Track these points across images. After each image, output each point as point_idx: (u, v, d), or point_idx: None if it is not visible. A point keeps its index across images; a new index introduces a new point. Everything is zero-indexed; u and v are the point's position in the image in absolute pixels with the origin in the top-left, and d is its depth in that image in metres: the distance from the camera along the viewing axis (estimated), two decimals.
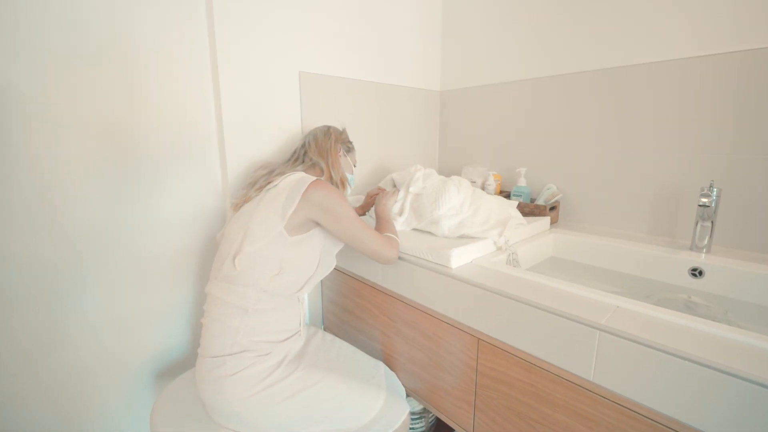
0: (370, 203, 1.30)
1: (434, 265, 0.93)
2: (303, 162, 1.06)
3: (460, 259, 0.92)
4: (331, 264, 1.01)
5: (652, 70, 1.13)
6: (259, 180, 0.99)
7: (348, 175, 1.13)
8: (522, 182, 1.45)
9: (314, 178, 0.91)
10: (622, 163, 1.23)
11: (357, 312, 1.22)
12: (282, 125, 1.26)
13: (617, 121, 1.23)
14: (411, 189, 1.15)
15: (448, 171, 1.78)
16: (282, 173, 0.98)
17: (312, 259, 0.94)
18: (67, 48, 0.90)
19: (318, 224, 0.92)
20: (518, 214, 1.16)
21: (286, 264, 0.89)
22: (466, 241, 0.99)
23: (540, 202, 1.41)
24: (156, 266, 1.10)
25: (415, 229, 1.15)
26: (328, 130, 1.12)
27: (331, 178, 1.05)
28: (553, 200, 1.38)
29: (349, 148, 1.17)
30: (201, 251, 1.19)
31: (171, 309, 1.15)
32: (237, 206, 0.97)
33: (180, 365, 1.19)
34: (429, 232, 1.10)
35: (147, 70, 1.02)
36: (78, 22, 0.90)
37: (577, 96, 1.32)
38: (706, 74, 1.04)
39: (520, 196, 1.43)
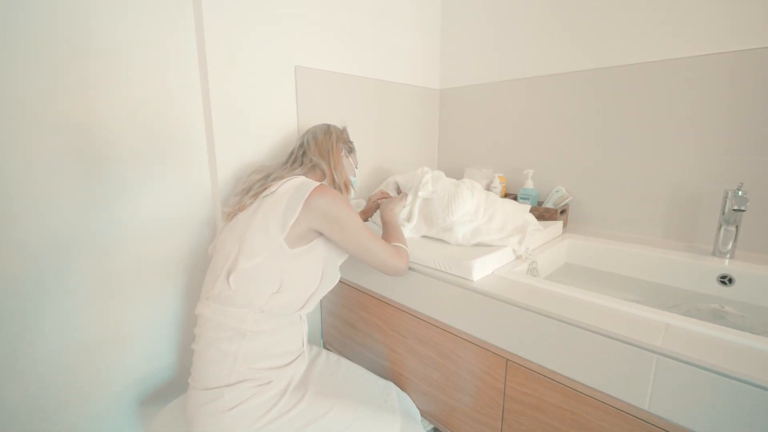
0: (373, 208, 1.21)
1: (452, 277, 0.85)
2: (302, 164, 0.95)
3: (481, 270, 0.84)
4: (335, 277, 0.91)
5: (670, 68, 1.09)
6: (254, 186, 0.88)
7: (351, 178, 1.03)
8: (529, 184, 1.38)
9: (317, 183, 0.81)
10: (635, 163, 1.18)
11: (362, 327, 1.12)
12: (277, 124, 1.15)
13: (630, 120, 1.18)
14: (420, 193, 1.07)
15: (448, 172, 1.70)
16: (279, 177, 0.88)
17: (314, 273, 0.84)
18: (36, 36, 0.77)
19: (320, 234, 0.82)
20: (533, 219, 1.09)
21: (287, 280, 0.79)
22: (484, 250, 0.92)
23: (549, 205, 1.35)
24: (136, 281, 0.98)
25: (424, 237, 1.07)
26: (328, 129, 1.02)
27: (333, 182, 0.96)
28: (563, 203, 1.32)
29: (351, 149, 1.07)
30: (188, 264, 1.07)
31: (153, 328, 1.03)
32: (230, 215, 0.86)
33: (165, 392, 1.06)
34: (441, 240, 1.02)
35: (126, 62, 0.89)
36: (48, 9, 0.78)
37: (586, 95, 1.26)
38: (728, 72, 1.00)
39: (527, 198, 1.37)
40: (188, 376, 0.82)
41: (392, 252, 0.86)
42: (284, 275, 0.78)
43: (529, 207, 1.18)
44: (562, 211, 1.30)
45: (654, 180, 1.15)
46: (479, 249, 0.93)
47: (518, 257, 0.95)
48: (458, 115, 1.65)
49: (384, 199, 1.18)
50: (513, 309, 0.74)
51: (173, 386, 1.08)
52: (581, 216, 1.33)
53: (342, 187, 0.96)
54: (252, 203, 0.84)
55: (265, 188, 0.85)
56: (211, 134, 1.03)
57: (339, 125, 1.07)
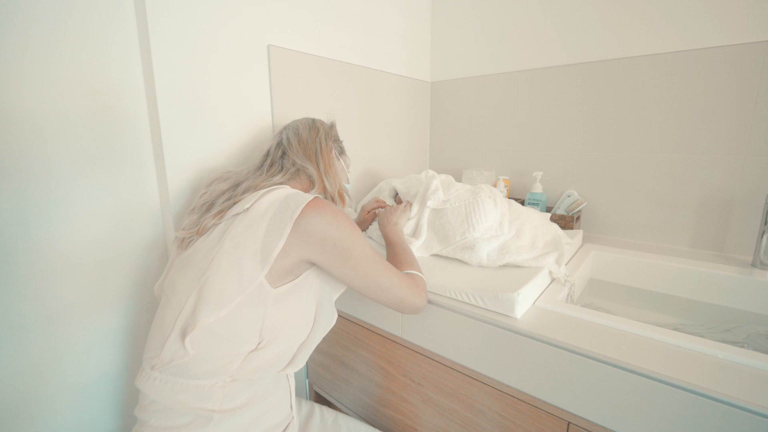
0: (369, 220, 1.00)
1: (486, 313, 0.66)
2: (282, 169, 0.73)
3: (524, 303, 0.66)
4: (331, 317, 0.69)
5: (697, 57, 0.96)
6: (219, 199, 0.65)
7: (344, 185, 0.82)
8: (538, 188, 1.23)
9: (310, 195, 0.59)
10: (656, 164, 1.06)
11: (360, 368, 0.91)
12: (247, 116, 0.91)
13: (650, 115, 1.05)
14: (429, 203, 0.87)
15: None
16: (253, 188, 0.65)
17: (305, 316, 0.63)
18: None
19: (313, 264, 0.61)
20: (560, 229, 0.93)
21: (270, 331, 0.56)
22: (517, 274, 0.74)
23: (560, 211, 1.20)
24: (60, 325, 0.71)
25: (436, 256, 0.87)
26: (313, 124, 0.80)
27: (324, 190, 0.74)
28: (576, 209, 1.18)
29: (342, 148, 0.86)
30: (129, 305, 0.80)
31: (83, 388, 0.76)
32: (183, 242, 0.62)
33: None
34: (458, 260, 0.83)
35: (43, 38, 0.63)
36: None
37: (599, 87, 1.12)
38: (762, 61, 0.89)
39: (537, 204, 1.22)
40: None
41: (409, 285, 0.66)
42: (265, 325, 0.56)
43: (548, 216, 1.02)
44: (576, 219, 1.16)
45: (680, 183, 1.03)
46: (508, 272, 0.75)
47: (554, 279, 0.78)
48: (452, 111, 1.48)
49: (381, 209, 0.97)
50: (574, 358, 0.56)
51: None
52: (596, 223, 1.19)
53: (336, 197, 0.75)
54: (216, 225, 0.60)
55: (235, 203, 0.62)
56: (158, 132, 0.77)
57: (326, 120, 0.85)
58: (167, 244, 0.83)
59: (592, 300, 0.94)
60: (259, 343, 0.56)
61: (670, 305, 0.90)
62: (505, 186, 1.29)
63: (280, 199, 0.59)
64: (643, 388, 0.51)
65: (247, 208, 0.58)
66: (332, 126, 0.85)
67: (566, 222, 1.14)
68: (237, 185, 0.68)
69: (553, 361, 0.59)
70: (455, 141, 1.49)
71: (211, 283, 0.52)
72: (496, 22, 1.31)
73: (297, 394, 1.00)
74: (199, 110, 0.82)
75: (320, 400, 1.08)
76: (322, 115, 0.87)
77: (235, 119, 0.88)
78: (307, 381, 1.10)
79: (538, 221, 0.88)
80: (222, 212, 0.60)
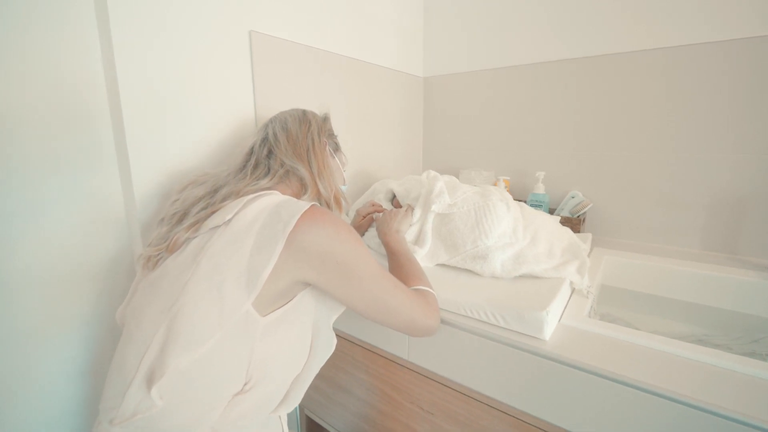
0: (365, 226, 0.90)
1: (507, 333, 0.58)
2: (269, 171, 0.62)
3: (552, 322, 0.58)
4: (330, 343, 0.59)
5: (704, 53, 0.92)
6: (194, 208, 0.54)
7: (341, 187, 0.72)
8: (540, 189, 1.17)
9: (305, 203, 0.49)
10: (665, 164, 1.01)
11: (359, 392, 0.82)
12: (225, 108, 0.80)
13: (657, 113, 1.00)
14: (434, 207, 0.79)
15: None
16: (236, 194, 0.55)
17: (300, 345, 0.53)
18: None
19: (308, 284, 0.51)
20: (574, 235, 0.86)
21: (258, 368, 0.47)
22: (538, 287, 0.66)
23: (565, 213, 1.14)
24: (9, 359, 0.58)
25: (442, 266, 0.79)
26: (304, 116, 0.70)
27: (318, 195, 0.64)
28: (582, 211, 1.12)
29: (337, 144, 0.76)
30: (83, 333, 0.68)
31: None
32: (151, 260, 0.51)
33: None
34: (468, 271, 0.75)
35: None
36: None
37: (604, 83, 1.07)
38: None
39: (539, 206, 1.15)
40: None
41: (421, 305, 0.57)
42: (254, 362, 0.46)
43: (558, 218, 0.96)
44: (582, 221, 1.10)
45: (690, 183, 0.99)
46: (526, 284, 0.68)
47: (574, 290, 0.71)
48: (447, 108, 1.40)
49: (378, 214, 0.88)
50: (616, 388, 0.49)
51: None
52: (602, 225, 1.14)
53: (331, 202, 0.65)
54: (190, 240, 0.50)
55: (212, 213, 0.52)
56: (120, 125, 0.65)
57: (318, 111, 0.75)
58: (134, 258, 0.72)
59: (608, 310, 0.87)
60: (245, 384, 0.46)
61: (691, 314, 0.85)
62: (506, 187, 1.22)
63: (269, 207, 0.49)
64: (704, 423, 0.44)
65: (229, 220, 0.48)
66: (326, 119, 0.74)
67: (572, 225, 1.08)
68: (215, 191, 0.57)
69: (588, 391, 0.51)
70: (450, 139, 1.41)
71: (184, 315, 0.42)
72: (493, 14, 1.23)
73: (289, 426, 0.90)
74: (170, 102, 0.70)
75: (312, 425, 0.98)
76: (313, 107, 0.77)
77: (212, 112, 0.77)
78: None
79: (551, 226, 0.80)
80: (197, 224, 0.50)
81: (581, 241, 0.85)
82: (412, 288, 0.60)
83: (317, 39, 0.99)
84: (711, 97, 0.93)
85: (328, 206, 0.64)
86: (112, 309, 0.71)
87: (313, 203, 0.50)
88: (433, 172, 0.89)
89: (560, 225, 0.87)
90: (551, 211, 1.17)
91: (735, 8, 0.88)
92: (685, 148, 0.98)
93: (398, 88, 1.32)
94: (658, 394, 0.46)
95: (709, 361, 0.51)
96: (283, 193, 0.57)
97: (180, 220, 0.52)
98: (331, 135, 0.74)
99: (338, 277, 0.48)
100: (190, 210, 0.53)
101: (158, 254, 0.50)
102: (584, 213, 1.12)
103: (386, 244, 0.75)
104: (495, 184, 1.22)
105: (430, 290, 0.62)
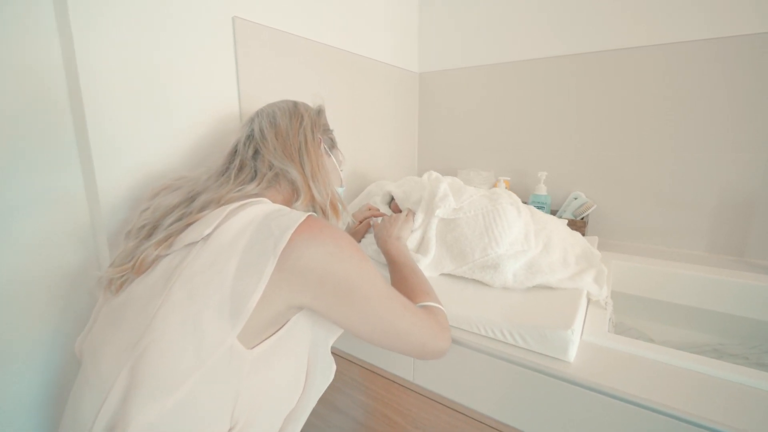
0: (362, 231, 0.84)
1: (526, 354, 0.52)
2: (256, 174, 0.54)
3: (577, 341, 0.53)
4: (329, 371, 0.52)
5: (710, 49, 0.88)
6: (166, 219, 0.46)
7: (338, 189, 0.65)
8: (542, 190, 1.12)
9: (300, 213, 0.42)
10: (670, 164, 0.98)
11: (359, 417, 0.75)
12: (206, 101, 0.72)
13: (661, 112, 0.96)
14: (438, 212, 0.72)
15: None
16: (216, 202, 0.47)
17: (294, 377, 0.46)
18: None
19: (301, 308, 0.44)
20: (585, 240, 0.81)
21: (245, 408, 0.39)
22: (554, 298, 0.60)
23: (567, 215, 1.10)
24: None
25: (446, 275, 0.73)
26: (295, 109, 0.61)
27: (313, 201, 0.56)
28: (585, 213, 1.08)
29: (333, 141, 0.68)
30: (40, 363, 0.59)
31: None
32: (114, 283, 0.43)
33: None
34: (476, 281, 0.69)
35: None
36: None
37: (606, 80, 1.03)
38: None
39: (541, 208, 1.10)
40: None
41: (431, 326, 0.50)
42: (240, 402, 0.38)
43: (565, 222, 0.91)
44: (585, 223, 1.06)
45: (696, 183, 0.96)
46: (540, 296, 0.62)
47: (592, 301, 0.66)
48: (443, 105, 1.34)
49: (376, 219, 0.82)
50: (653, 417, 0.44)
51: None
52: (605, 227, 1.10)
53: (327, 208, 0.57)
54: (161, 258, 0.42)
55: (188, 225, 0.44)
56: (82, 121, 0.57)
57: (312, 104, 0.67)
58: (96, 279, 0.63)
59: (619, 318, 0.83)
60: (231, 429, 0.38)
61: (704, 321, 0.81)
62: (506, 188, 1.17)
63: (257, 219, 0.41)
64: None
65: (208, 234, 0.40)
66: (320, 111, 0.65)
67: (576, 228, 1.03)
68: (192, 198, 0.49)
69: (618, 419, 0.46)
70: (447, 138, 1.35)
71: (153, 355, 0.34)
72: (492, 7, 1.18)
73: None
74: (143, 93, 0.62)
75: None
76: (305, 99, 0.69)
77: (190, 104, 0.69)
78: None
79: (564, 233, 0.75)
80: (169, 239, 0.42)
81: (594, 248, 0.80)
82: (419, 305, 0.54)
83: (306, 28, 0.91)
84: (715, 95, 0.90)
85: (324, 213, 0.57)
86: (78, 329, 0.62)
87: (309, 214, 0.42)
88: (434, 173, 0.82)
89: (570, 230, 0.82)
90: (553, 213, 1.13)
91: (735, 5, 0.84)
92: (690, 147, 0.95)
93: (392, 83, 1.25)
94: (705, 427, 0.41)
95: (753, 384, 0.46)
96: (273, 201, 0.50)
97: (149, 234, 0.44)
98: (327, 130, 0.66)
99: (340, 300, 0.41)
100: (162, 222, 0.45)
101: (122, 276, 0.42)
102: (587, 215, 1.08)
103: (386, 253, 0.68)
104: (495, 185, 1.16)
105: (440, 307, 0.56)
